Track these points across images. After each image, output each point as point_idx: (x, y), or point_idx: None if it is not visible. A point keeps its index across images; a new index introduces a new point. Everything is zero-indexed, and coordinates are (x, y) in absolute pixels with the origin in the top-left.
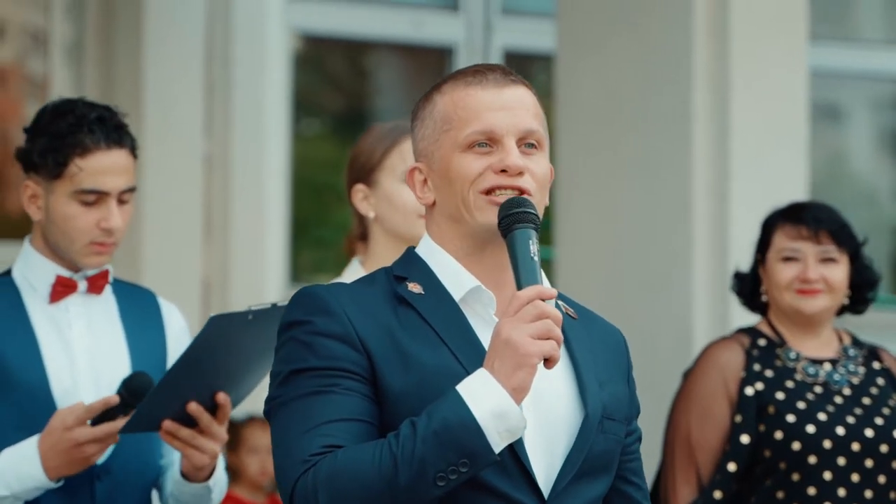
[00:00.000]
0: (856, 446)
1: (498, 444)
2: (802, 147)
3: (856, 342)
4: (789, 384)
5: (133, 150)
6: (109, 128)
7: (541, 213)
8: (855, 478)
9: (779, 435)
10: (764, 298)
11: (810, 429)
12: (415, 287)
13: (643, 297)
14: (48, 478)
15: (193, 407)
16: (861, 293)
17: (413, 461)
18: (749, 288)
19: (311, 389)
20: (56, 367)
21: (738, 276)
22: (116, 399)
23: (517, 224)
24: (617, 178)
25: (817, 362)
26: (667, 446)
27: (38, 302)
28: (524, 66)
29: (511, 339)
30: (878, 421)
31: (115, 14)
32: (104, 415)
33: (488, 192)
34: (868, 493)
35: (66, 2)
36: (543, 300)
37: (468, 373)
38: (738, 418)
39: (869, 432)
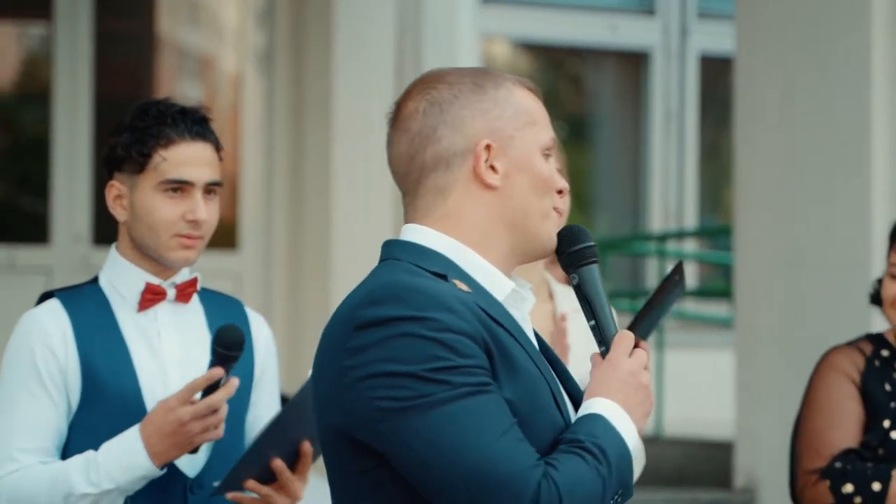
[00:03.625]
0: None
1: None
2: None
3: None
4: None
5: (217, 146)
6: (191, 120)
7: None
8: None
9: None
10: None
11: None
12: (461, 286)
13: (822, 301)
14: (154, 464)
15: (278, 464)
16: None
17: (606, 482)
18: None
19: (469, 388)
20: (148, 376)
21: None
22: (221, 372)
23: (594, 258)
24: (795, 181)
25: None
26: (794, 458)
27: (126, 310)
28: (720, 70)
29: (649, 388)
30: None
31: (305, 23)
32: (207, 391)
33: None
34: None
35: (258, 11)
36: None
37: (546, 379)
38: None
39: None
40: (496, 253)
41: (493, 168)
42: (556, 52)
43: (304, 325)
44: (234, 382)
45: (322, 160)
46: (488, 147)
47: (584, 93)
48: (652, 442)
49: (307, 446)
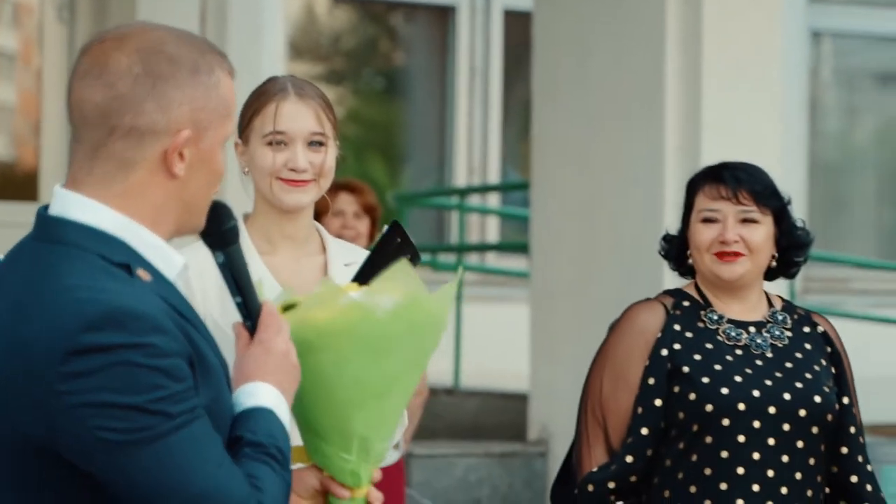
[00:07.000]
0: (772, 409)
1: None
2: (776, 107)
3: (788, 307)
4: (708, 346)
5: None
6: None
7: None
8: (771, 441)
9: (692, 396)
10: (690, 262)
11: (724, 390)
12: (144, 275)
13: (616, 255)
14: None
15: None
16: (789, 255)
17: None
18: (677, 251)
19: (185, 416)
20: None
21: (667, 239)
22: None
23: (237, 239)
24: (591, 136)
25: (741, 325)
26: (581, 408)
27: None
28: (525, 26)
29: (293, 359)
30: (798, 385)
31: None
32: None
33: None
34: (784, 458)
35: None
36: None
37: (223, 366)
38: (652, 381)
39: (787, 395)
40: (164, 229)
41: (181, 156)
42: (374, 5)
43: None
44: None
45: None
46: (188, 137)
47: (397, 46)
48: (449, 394)
49: None
